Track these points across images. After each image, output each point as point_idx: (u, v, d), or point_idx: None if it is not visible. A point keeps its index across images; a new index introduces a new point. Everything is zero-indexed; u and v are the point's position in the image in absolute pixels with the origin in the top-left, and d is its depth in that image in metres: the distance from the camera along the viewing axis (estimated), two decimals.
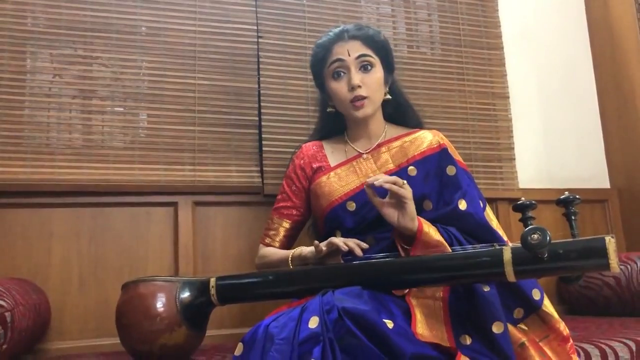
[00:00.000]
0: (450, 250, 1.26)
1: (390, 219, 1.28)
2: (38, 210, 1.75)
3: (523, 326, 1.29)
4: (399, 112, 1.63)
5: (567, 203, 1.24)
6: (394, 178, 1.27)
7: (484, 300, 1.19)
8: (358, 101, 1.51)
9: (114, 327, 1.34)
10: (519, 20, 2.53)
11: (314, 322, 1.06)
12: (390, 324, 1.08)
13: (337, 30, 1.57)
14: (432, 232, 1.27)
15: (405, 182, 1.28)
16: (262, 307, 1.53)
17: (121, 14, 1.91)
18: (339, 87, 1.53)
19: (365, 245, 1.32)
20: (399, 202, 1.27)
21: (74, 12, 1.86)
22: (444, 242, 1.27)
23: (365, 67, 1.53)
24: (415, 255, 1.25)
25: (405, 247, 1.30)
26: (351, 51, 1.52)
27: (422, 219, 1.29)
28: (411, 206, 1.26)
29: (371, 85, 1.52)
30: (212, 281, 1.32)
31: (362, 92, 1.50)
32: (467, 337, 1.18)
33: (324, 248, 1.30)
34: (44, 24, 1.84)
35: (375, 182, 1.25)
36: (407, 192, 1.26)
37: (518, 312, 1.29)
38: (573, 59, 2.62)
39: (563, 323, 1.30)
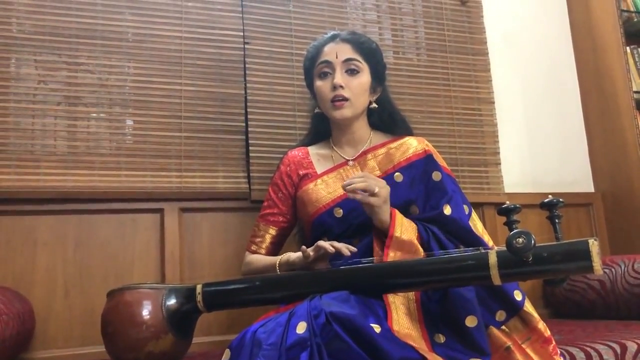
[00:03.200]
0: (421, 250, 1.32)
1: (369, 215, 1.37)
2: (22, 218, 1.73)
3: (505, 329, 1.29)
4: (387, 122, 1.64)
5: (550, 206, 1.25)
6: (364, 185, 1.32)
7: (457, 296, 1.21)
8: (338, 101, 1.53)
9: (100, 336, 1.32)
10: (503, 26, 2.55)
11: (301, 328, 1.06)
12: (377, 328, 1.08)
13: (332, 33, 1.62)
14: (403, 233, 1.33)
15: (380, 188, 1.33)
16: (250, 313, 1.52)
17: (107, 20, 1.91)
18: (323, 86, 1.56)
19: (353, 249, 1.33)
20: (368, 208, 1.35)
21: (59, 19, 1.86)
22: (414, 241, 1.33)
23: (351, 71, 1.55)
24: (389, 251, 1.30)
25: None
26: (339, 53, 1.55)
27: (396, 220, 1.35)
28: (381, 212, 1.35)
29: (354, 89, 1.54)
30: (199, 288, 1.32)
31: (343, 92, 1.52)
32: (440, 335, 1.20)
33: (311, 253, 1.30)
34: (28, 30, 1.83)
35: (346, 188, 1.33)
36: (375, 200, 1.33)
37: (500, 315, 1.29)
38: (557, 64, 2.65)
39: (544, 324, 1.31)
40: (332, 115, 1.56)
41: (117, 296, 1.33)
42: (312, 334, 1.04)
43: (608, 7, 2.50)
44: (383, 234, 1.36)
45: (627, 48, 2.48)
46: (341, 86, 1.52)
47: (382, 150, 1.56)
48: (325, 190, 1.52)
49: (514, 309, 1.31)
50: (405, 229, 1.34)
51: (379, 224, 1.36)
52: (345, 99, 1.53)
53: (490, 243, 1.43)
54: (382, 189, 1.34)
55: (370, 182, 1.33)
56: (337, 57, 1.55)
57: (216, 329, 1.84)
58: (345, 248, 1.32)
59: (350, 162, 1.57)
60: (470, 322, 1.19)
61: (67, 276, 1.75)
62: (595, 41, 2.57)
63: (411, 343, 1.11)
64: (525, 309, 1.31)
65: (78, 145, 1.83)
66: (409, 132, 1.64)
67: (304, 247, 1.32)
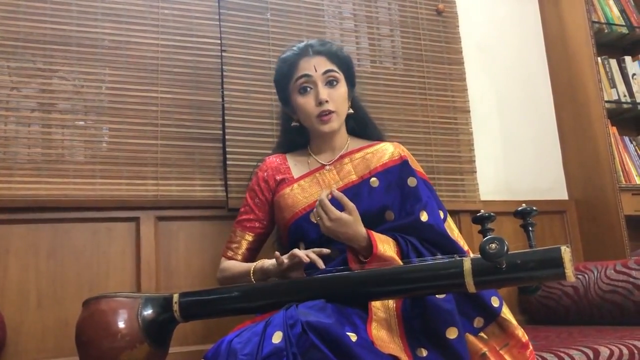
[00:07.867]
0: (401, 263, 1.29)
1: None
2: None
3: (483, 335, 1.31)
4: (361, 126, 1.66)
5: (524, 214, 1.27)
6: (324, 210, 1.33)
7: (436, 308, 1.22)
8: (325, 116, 1.53)
9: (74, 346, 1.30)
10: (478, 36, 2.59)
11: (277, 337, 1.06)
12: (353, 337, 1.08)
13: (301, 45, 1.59)
14: (386, 250, 1.31)
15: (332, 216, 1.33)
16: (226, 323, 1.51)
17: (82, 27, 1.89)
18: (306, 102, 1.54)
19: (326, 251, 1.34)
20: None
21: (33, 25, 1.83)
22: (396, 257, 1.31)
23: (331, 83, 1.55)
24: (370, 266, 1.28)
25: (361, 258, 1.34)
26: (317, 67, 1.54)
27: (375, 237, 1.33)
28: (343, 232, 1.33)
29: (337, 99, 1.54)
30: (175, 297, 1.31)
31: (329, 106, 1.52)
32: (422, 349, 1.20)
33: (285, 260, 1.30)
34: (1, 36, 1.80)
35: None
36: (331, 224, 1.33)
37: (478, 322, 1.31)
38: (531, 74, 2.69)
39: (521, 329, 1.32)
40: (320, 130, 1.54)
41: (92, 305, 1.31)
42: (288, 344, 1.04)
43: (580, 18, 2.56)
44: (357, 251, 1.36)
45: (599, 59, 2.54)
46: (327, 101, 1.52)
47: (359, 155, 1.57)
48: (301, 194, 1.53)
49: (492, 316, 1.32)
50: (387, 246, 1.33)
51: (349, 243, 1.36)
52: (332, 112, 1.53)
53: (466, 247, 1.46)
54: (332, 222, 1.33)
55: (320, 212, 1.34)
56: (316, 71, 1.54)
57: (192, 338, 1.83)
58: (319, 259, 1.32)
59: (327, 167, 1.57)
60: (451, 334, 1.20)
61: (39, 286, 1.72)
62: (567, 52, 2.62)
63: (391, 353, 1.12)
64: (503, 315, 1.32)
65: (52, 153, 1.80)
66: (381, 135, 1.66)
67: (277, 253, 1.32)
